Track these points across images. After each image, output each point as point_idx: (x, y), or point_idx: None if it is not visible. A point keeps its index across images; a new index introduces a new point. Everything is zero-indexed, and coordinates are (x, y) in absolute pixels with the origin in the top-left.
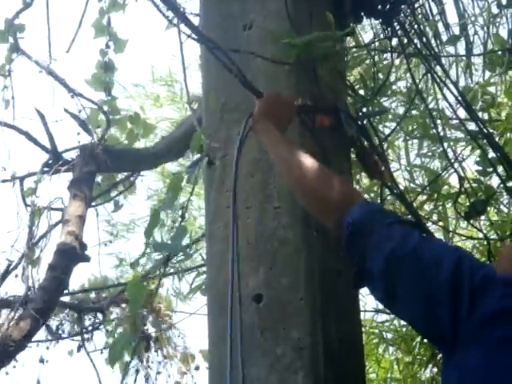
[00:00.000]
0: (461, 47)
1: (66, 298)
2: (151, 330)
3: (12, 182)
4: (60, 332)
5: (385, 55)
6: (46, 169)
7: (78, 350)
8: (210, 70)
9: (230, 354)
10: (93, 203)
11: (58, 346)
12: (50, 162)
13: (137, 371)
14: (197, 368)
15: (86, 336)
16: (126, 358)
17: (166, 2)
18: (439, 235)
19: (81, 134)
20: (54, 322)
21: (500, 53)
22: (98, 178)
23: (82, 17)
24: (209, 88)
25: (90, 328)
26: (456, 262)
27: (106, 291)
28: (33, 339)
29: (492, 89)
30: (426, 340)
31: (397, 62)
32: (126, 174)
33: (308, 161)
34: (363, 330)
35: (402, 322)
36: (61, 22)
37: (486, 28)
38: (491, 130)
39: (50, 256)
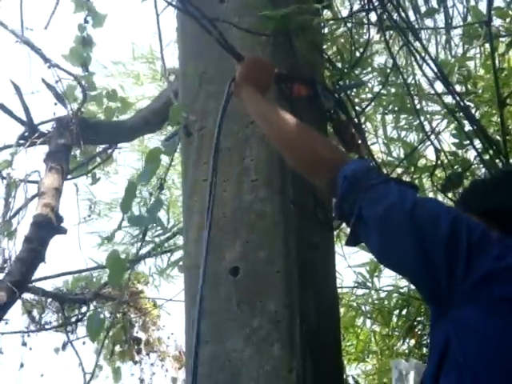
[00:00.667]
0: (441, 23)
1: (49, 286)
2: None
3: None
4: (43, 323)
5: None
6: (21, 141)
7: (63, 347)
8: (186, 41)
9: (197, 329)
10: (70, 176)
11: (42, 335)
12: (26, 134)
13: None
14: None
15: (69, 328)
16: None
17: None
18: None
19: (58, 104)
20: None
21: (478, 25)
22: (76, 151)
23: None
24: (185, 59)
25: (73, 320)
26: (453, 220)
27: (91, 285)
28: (15, 329)
29: (470, 62)
30: (403, 312)
31: (376, 36)
32: (103, 146)
33: (294, 120)
34: (342, 303)
35: (381, 295)
36: None
37: (464, 1)
38: (468, 103)
39: (27, 229)
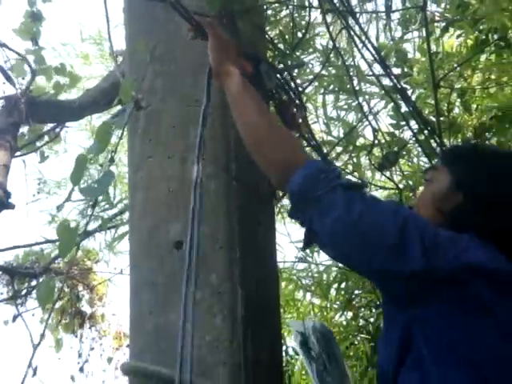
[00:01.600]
0: (382, 7)
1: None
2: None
3: None
4: None
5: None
6: None
7: (14, 319)
8: (133, 22)
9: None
10: (18, 153)
11: None
12: None
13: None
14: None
15: (19, 300)
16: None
17: None
18: None
19: (6, 83)
20: None
21: (415, 11)
22: (25, 129)
23: None
24: (132, 39)
25: (23, 293)
26: (402, 224)
27: (41, 259)
28: None
29: (407, 45)
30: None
31: (318, 19)
32: (51, 125)
33: (267, 119)
34: (283, 277)
35: (320, 269)
36: None
37: None
38: (404, 85)
39: None
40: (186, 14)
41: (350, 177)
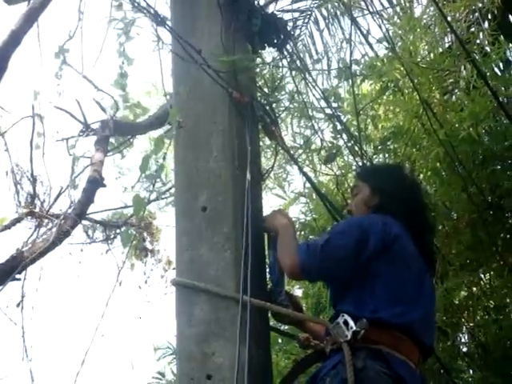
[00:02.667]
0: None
1: (98, 217)
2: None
3: (62, 140)
4: (94, 238)
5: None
6: (81, 133)
7: (106, 252)
8: (176, 75)
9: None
10: (108, 154)
11: (91, 249)
12: (84, 129)
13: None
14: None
15: (109, 241)
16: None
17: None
18: (310, 172)
19: (101, 113)
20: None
21: (344, 69)
22: (112, 139)
23: (103, 42)
24: (176, 85)
25: (112, 236)
26: (360, 235)
27: (122, 217)
28: (76, 241)
29: (341, 89)
30: None
31: (288, 73)
32: (128, 136)
33: (290, 241)
34: None
35: None
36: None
37: (336, 53)
38: (339, 113)
39: (84, 183)
40: (211, 71)
41: (306, 169)
